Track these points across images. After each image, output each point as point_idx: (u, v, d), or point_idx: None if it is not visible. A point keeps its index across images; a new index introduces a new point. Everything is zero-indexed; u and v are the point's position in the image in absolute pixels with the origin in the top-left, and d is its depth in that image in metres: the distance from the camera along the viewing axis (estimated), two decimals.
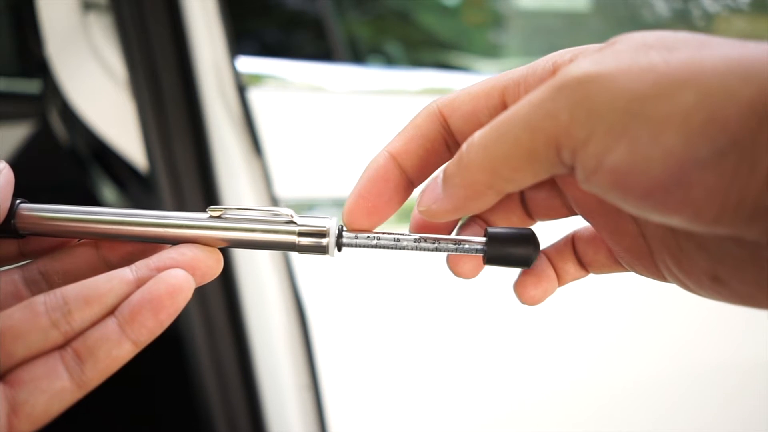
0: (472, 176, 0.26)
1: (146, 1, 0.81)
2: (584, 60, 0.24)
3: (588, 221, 0.32)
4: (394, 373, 0.92)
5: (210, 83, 0.84)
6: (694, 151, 0.21)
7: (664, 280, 0.30)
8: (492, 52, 2.02)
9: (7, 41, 1.78)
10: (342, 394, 0.89)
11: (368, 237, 0.31)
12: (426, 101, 0.32)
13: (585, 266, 0.33)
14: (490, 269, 0.33)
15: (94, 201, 1.38)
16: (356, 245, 0.32)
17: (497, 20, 2.09)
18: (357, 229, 0.32)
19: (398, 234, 0.31)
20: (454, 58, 1.88)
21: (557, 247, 0.34)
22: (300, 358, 0.86)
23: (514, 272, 0.33)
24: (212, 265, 0.30)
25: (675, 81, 0.22)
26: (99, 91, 0.93)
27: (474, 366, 0.96)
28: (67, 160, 1.41)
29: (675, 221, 0.23)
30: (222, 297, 0.86)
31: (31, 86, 1.67)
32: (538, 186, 0.33)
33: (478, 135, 0.26)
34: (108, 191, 1.30)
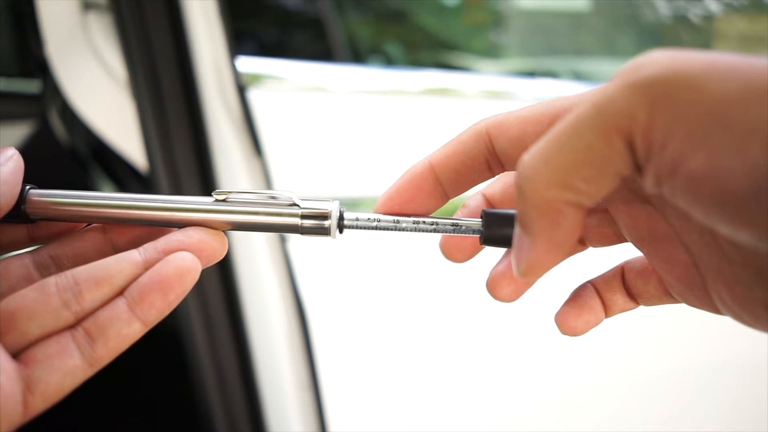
0: (543, 195, 0.24)
1: (146, 1, 0.81)
2: (658, 56, 0.23)
3: (639, 249, 0.31)
4: (394, 373, 0.92)
5: (210, 83, 0.84)
6: None
7: (718, 312, 0.29)
8: (492, 52, 2.02)
9: (7, 41, 1.78)
10: (342, 394, 0.89)
11: (368, 219, 0.32)
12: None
13: (634, 298, 0.33)
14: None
15: None
16: (357, 227, 0.32)
17: (497, 20, 2.10)
18: None
19: (397, 216, 0.32)
20: (454, 58, 1.88)
21: (605, 278, 0.33)
22: (300, 357, 0.86)
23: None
24: (218, 248, 0.31)
25: (761, 87, 0.21)
26: (99, 91, 0.93)
27: (475, 365, 0.96)
28: (67, 160, 1.41)
29: (743, 236, 0.22)
30: (221, 296, 0.86)
31: (31, 86, 1.67)
32: (589, 212, 0.32)
33: (532, 152, 0.25)
34: (108, 191, 1.30)
